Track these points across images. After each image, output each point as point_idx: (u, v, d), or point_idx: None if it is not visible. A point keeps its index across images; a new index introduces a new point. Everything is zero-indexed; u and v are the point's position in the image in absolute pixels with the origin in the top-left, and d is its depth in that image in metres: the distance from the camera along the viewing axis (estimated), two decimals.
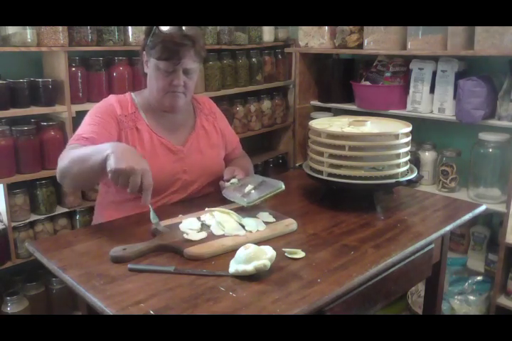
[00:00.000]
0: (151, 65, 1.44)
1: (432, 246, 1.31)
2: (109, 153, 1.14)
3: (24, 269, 2.01)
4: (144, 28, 1.52)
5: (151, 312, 0.89)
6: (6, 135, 1.81)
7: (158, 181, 1.38)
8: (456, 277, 2.18)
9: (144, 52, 1.46)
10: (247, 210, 1.32)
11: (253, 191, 1.28)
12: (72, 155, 1.26)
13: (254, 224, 1.22)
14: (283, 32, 2.81)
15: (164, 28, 1.39)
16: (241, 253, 1.03)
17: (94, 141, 1.33)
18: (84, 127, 1.40)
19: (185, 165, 1.50)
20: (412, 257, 1.23)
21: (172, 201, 1.48)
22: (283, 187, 1.26)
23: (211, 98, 1.77)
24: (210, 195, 1.55)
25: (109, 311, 0.90)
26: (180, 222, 1.24)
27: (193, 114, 1.61)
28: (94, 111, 1.46)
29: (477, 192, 2.10)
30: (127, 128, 1.45)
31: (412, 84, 2.21)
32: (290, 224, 1.26)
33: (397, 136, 1.38)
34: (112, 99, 1.49)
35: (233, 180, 1.44)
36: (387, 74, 2.29)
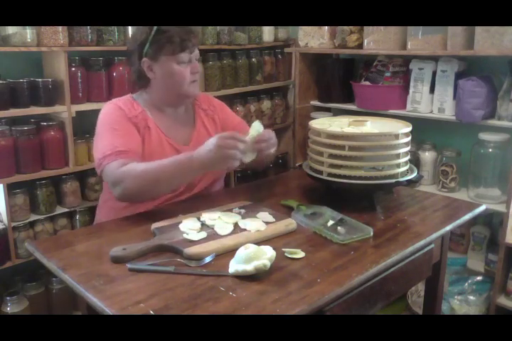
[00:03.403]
0: (163, 65, 1.44)
1: (432, 246, 1.31)
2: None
3: (24, 269, 2.01)
4: (132, 35, 1.53)
5: (151, 312, 0.89)
6: (6, 135, 1.81)
7: None
8: (456, 277, 2.18)
9: (146, 59, 1.45)
10: (247, 210, 1.32)
11: (339, 228, 1.23)
12: (149, 174, 1.29)
13: (254, 224, 1.22)
14: (283, 32, 2.81)
15: (164, 27, 1.41)
16: (241, 253, 1.03)
17: (133, 153, 1.38)
18: (112, 140, 1.38)
19: None
20: (412, 257, 1.23)
21: (180, 198, 1.49)
22: (371, 234, 1.22)
23: None
24: (211, 195, 1.55)
25: (109, 311, 0.90)
26: (180, 222, 1.24)
27: (192, 111, 1.62)
28: (108, 121, 1.44)
29: (477, 192, 2.10)
30: (141, 128, 1.46)
31: (411, 84, 2.21)
32: (290, 224, 1.26)
33: (397, 136, 1.38)
34: (116, 103, 1.49)
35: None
36: (387, 74, 2.29)
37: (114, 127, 1.41)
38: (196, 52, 1.49)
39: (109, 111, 1.46)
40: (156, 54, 1.44)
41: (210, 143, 1.26)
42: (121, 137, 1.39)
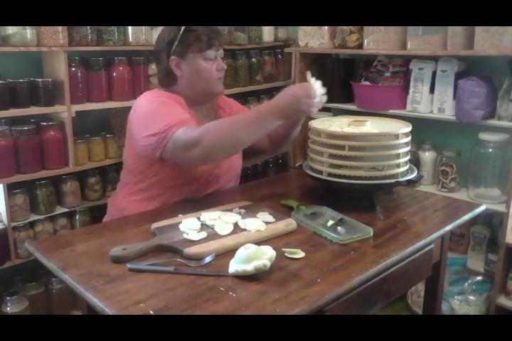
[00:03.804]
0: (190, 62, 1.48)
1: (432, 246, 1.31)
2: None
3: (24, 269, 2.01)
4: (160, 34, 1.55)
5: (151, 312, 0.89)
6: (6, 135, 1.81)
7: (197, 172, 1.47)
8: (456, 277, 2.18)
9: (174, 57, 1.48)
10: (247, 210, 1.32)
11: (339, 228, 1.23)
12: (227, 127, 1.33)
13: (254, 224, 1.22)
14: (283, 32, 2.81)
15: (192, 26, 1.46)
16: (241, 253, 1.03)
17: (196, 123, 1.41)
18: (171, 113, 1.39)
19: None
20: (412, 257, 1.23)
21: (206, 192, 1.54)
22: (371, 234, 1.23)
23: None
24: (211, 194, 1.55)
25: (109, 311, 0.90)
26: (180, 222, 1.24)
27: (212, 109, 1.67)
28: (157, 102, 1.44)
29: (477, 192, 2.10)
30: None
31: (411, 84, 2.21)
32: (290, 224, 1.26)
33: (397, 136, 1.38)
34: (155, 91, 1.52)
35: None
36: (387, 74, 2.29)
37: (167, 105, 1.43)
38: (221, 51, 1.55)
39: (153, 96, 1.49)
40: (184, 51, 1.48)
41: (292, 92, 1.33)
42: (178, 112, 1.41)
